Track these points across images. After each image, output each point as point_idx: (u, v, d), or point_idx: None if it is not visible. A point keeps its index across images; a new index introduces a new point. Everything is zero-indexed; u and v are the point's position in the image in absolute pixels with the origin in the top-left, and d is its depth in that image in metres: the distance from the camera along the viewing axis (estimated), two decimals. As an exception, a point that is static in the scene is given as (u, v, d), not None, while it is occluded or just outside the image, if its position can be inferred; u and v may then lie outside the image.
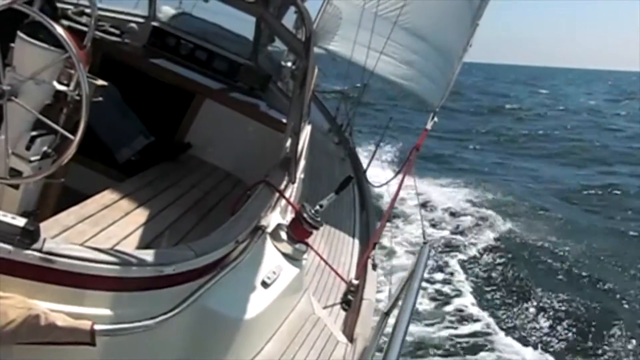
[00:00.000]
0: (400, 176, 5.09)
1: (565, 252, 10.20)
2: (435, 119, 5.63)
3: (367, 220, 5.59)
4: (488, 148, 22.22)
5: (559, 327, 7.69)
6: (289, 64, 6.59)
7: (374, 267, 4.33)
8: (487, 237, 10.62)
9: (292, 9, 5.04)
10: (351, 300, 3.81)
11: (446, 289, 8.43)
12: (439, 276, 8.76)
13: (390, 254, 7.66)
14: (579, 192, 15.10)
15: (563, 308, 8.14)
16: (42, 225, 1.61)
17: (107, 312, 1.73)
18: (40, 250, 1.56)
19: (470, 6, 6.82)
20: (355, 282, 3.99)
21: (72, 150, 2.18)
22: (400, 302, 2.65)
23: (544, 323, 7.78)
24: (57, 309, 1.60)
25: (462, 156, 19.72)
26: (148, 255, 1.84)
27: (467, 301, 8.14)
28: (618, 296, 8.69)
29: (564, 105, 40.70)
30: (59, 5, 3.71)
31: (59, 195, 2.72)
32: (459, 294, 8.32)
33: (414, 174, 5.27)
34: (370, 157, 8.17)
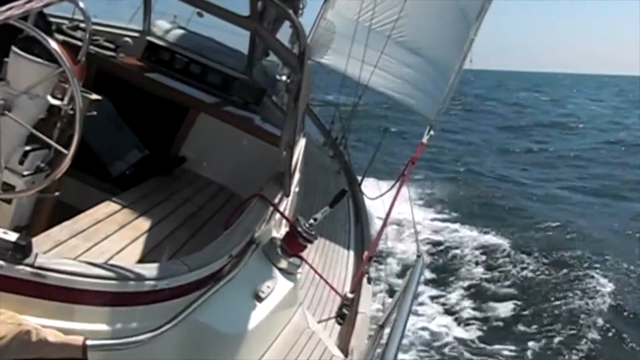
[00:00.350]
0: (395, 189, 5.10)
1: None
2: (432, 132, 5.66)
3: (362, 233, 5.59)
4: (527, 169, 18.83)
5: None
6: (284, 77, 6.62)
7: (369, 280, 4.32)
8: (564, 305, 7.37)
9: (287, 23, 5.08)
10: (346, 314, 3.79)
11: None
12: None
13: (386, 267, 7.32)
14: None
15: None
16: (34, 240, 1.60)
17: (99, 327, 1.72)
18: (32, 265, 1.55)
19: (466, 20, 6.87)
20: (350, 295, 3.97)
21: (65, 164, 2.17)
22: (394, 315, 2.65)
23: None
24: (48, 325, 1.59)
25: (498, 184, 15.77)
26: (141, 269, 1.83)
27: None
28: None
29: (580, 116, 36.72)
30: (54, 20, 3.72)
31: (52, 210, 2.71)
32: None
33: (409, 187, 5.28)
34: (365, 169, 8.19)
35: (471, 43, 6.70)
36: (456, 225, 11.05)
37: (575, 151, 23.45)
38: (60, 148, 2.21)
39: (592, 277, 8.44)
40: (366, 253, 4.65)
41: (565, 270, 8.83)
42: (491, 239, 10.27)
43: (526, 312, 7.48)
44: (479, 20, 6.74)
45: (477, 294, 8.10)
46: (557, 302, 7.68)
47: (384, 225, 4.88)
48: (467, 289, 8.28)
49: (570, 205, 14.21)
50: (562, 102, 50.04)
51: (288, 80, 6.44)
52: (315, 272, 3.82)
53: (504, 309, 7.60)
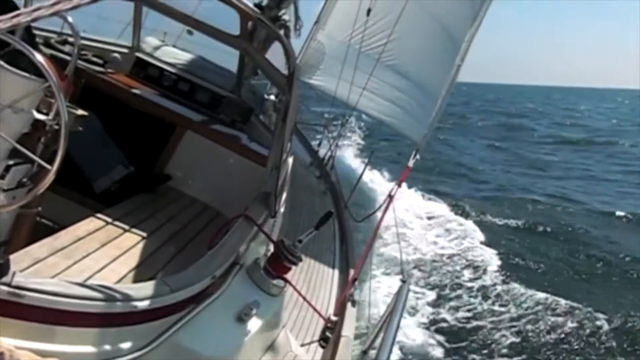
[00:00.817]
0: (381, 211, 5.10)
1: None
2: (417, 156, 5.71)
3: (347, 255, 5.56)
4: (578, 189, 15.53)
5: None
6: (272, 97, 6.64)
7: (354, 303, 4.27)
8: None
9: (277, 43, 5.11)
10: (329, 337, 3.74)
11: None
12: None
13: (371, 290, 7.04)
14: None
15: None
16: (12, 257, 1.56)
17: (77, 348, 1.67)
18: (9, 285, 1.51)
19: (453, 45, 6.98)
20: (333, 318, 3.92)
21: (48, 180, 2.13)
22: (378, 340, 2.61)
23: None
24: (24, 346, 1.54)
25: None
26: (121, 289, 1.80)
27: None
28: None
29: (609, 134, 32.77)
30: (42, 33, 3.70)
31: (32, 226, 2.65)
32: None
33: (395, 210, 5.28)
34: (352, 190, 8.18)
35: (458, 69, 6.81)
36: (496, 274, 8.18)
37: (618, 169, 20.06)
38: (43, 164, 2.17)
39: None
40: (351, 275, 4.62)
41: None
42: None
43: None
44: (466, 46, 6.85)
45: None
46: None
47: (369, 247, 4.87)
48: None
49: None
50: (583, 116, 46.40)
51: (276, 100, 6.47)
52: (299, 294, 3.77)
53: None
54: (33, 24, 2.79)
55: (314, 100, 9.96)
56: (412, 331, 6.51)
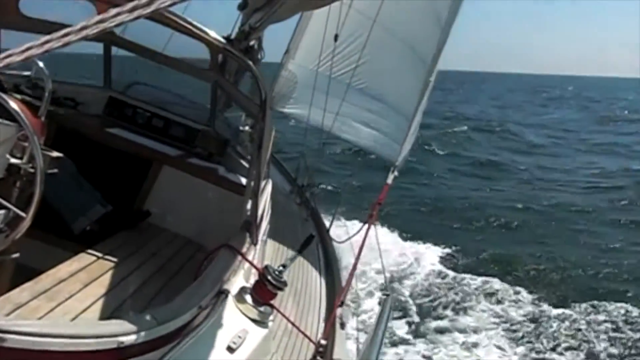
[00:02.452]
0: (363, 232, 5.13)
1: None
2: (396, 173, 5.80)
3: (333, 278, 5.56)
4: None
5: None
6: (247, 128, 6.68)
7: (342, 325, 4.26)
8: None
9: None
10: None
11: None
12: None
13: (359, 309, 6.97)
14: None
15: None
16: None
17: None
18: None
19: (422, 62, 7.13)
20: (323, 342, 3.91)
21: (25, 225, 2.13)
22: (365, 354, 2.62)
23: None
24: None
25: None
26: (106, 325, 1.79)
27: None
28: None
29: None
30: (14, 80, 3.71)
31: (12, 272, 2.62)
32: None
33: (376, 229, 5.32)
34: (332, 215, 8.20)
35: (428, 85, 6.96)
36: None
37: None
38: (19, 212, 2.15)
39: None
40: (337, 298, 4.61)
41: None
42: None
43: None
44: (434, 61, 7.02)
45: None
46: None
47: (354, 269, 4.87)
48: None
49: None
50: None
51: (251, 130, 6.50)
52: (288, 320, 3.75)
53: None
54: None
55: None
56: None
